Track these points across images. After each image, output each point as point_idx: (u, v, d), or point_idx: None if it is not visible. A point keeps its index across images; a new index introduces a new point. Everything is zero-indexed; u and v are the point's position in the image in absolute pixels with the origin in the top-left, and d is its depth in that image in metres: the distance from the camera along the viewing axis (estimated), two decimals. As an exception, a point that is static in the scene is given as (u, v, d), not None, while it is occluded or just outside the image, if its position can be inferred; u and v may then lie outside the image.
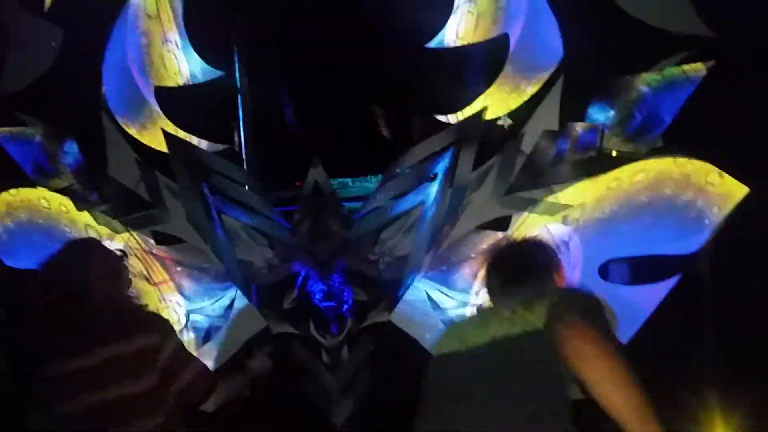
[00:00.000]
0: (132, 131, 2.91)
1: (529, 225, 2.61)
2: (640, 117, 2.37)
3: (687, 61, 2.33)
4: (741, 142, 2.39)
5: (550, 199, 2.52)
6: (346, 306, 2.71)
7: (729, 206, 2.35)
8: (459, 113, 2.67)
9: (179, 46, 3.05)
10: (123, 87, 2.94)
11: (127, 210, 2.89)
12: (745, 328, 2.45)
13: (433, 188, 2.65)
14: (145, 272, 2.96)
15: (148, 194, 2.86)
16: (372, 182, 3.47)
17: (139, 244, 2.95)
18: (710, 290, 2.53)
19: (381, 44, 2.98)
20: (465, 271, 2.68)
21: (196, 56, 3.01)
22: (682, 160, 2.36)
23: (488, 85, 2.61)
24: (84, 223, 2.99)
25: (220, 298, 2.92)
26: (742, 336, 2.39)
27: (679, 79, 2.33)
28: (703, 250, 2.36)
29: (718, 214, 2.35)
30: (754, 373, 2.37)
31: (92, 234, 2.96)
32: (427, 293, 2.72)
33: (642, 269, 2.43)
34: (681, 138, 2.37)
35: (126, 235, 2.94)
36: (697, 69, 2.31)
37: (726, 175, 2.33)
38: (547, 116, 2.51)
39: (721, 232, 2.34)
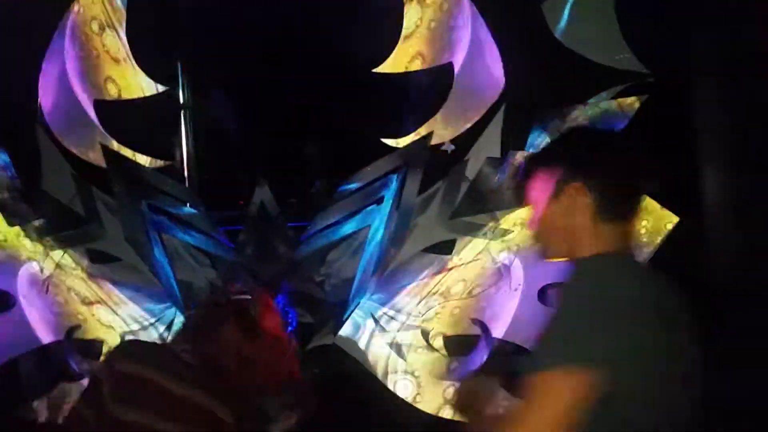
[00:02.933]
0: (69, 145, 2.82)
1: (473, 248, 2.67)
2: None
3: (622, 95, 2.47)
4: (672, 172, 2.52)
5: (493, 224, 2.59)
6: (290, 328, 2.68)
7: (661, 235, 2.47)
8: (405, 138, 2.71)
9: (123, 59, 2.98)
10: (61, 99, 2.84)
11: (61, 226, 2.78)
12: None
13: (380, 211, 2.68)
14: (79, 292, 2.85)
15: (83, 210, 2.76)
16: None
17: (73, 262, 2.84)
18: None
19: (328, 67, 3.00)
20: (411, 294, 2.71)
21: (139, 70, 2.95)
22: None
23: (434, 111, 2.67)
24: (17, 239, 2.86)
25: (159, 319, 2.84)
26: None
27: (614, 112, 2.46)
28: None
29: (650, 242, 2.47)
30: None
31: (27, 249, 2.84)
32: (372, 315, 2.73)
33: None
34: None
35: (59, 252, 2.83)
36: (631, 103, 2.45)
37: (657, 205, 2.46)
38: (490, 144, 2.59)
39: (653, 260, 2.45)
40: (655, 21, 2.48)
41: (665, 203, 2.45)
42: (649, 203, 2.44)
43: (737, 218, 2.62)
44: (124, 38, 2.87)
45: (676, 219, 2.46)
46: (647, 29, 2.46)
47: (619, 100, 2.47)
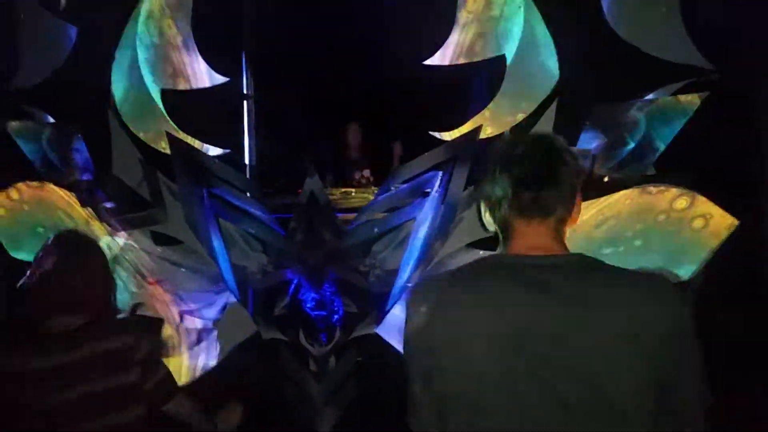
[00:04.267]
0: (137, 132, 2.97)
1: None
2: (632, 144, 2.38)
3: (682, 91, 2.34)
4: (733, 173, 2.38)
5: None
6: (336, 316, 2.74)
7: (719, 237, 2.34)
8: (455, 131, 2.69)
9: (190, 49, 3.11)
10: (131, 87, 3.00)
11: (128, 208, 2.95)
12: (729, 361, 2.43)
13: (426, 204, 2.67)
14: (142, 271, 3.02)
15: (149, 194, 2.92)
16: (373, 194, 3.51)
17: (138, 243, 3.01)
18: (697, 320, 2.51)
19: (382, 59, 3.02)
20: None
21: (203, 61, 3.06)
22: (673, 189, 2.36)
23: (484, 104, 2.63)
24: (87, 219, 3.06)
25: (214, 302, 2.96)
26: (725, 369, 2.38)
27: (674, 109, 2.34)
28: (692, 280, 2.36)
29: (708, 244, 2.34)
30: (733, 402, 2.35)
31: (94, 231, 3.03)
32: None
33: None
34: (674, 167, 2.37)
35: (125, 233, 3.00)
36: (691, 100, 2.32)
37: (717, 207, 2.33)
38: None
39: (711, 263, 2.33)
40: (720, 15, 2.33)
41: (725, 206, 2.32)
42: (708, 205, 2.32)
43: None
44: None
45: (736, 222, 2.32)
46: (712, 23, 2.32)
47: (679, 96, 2.34)
